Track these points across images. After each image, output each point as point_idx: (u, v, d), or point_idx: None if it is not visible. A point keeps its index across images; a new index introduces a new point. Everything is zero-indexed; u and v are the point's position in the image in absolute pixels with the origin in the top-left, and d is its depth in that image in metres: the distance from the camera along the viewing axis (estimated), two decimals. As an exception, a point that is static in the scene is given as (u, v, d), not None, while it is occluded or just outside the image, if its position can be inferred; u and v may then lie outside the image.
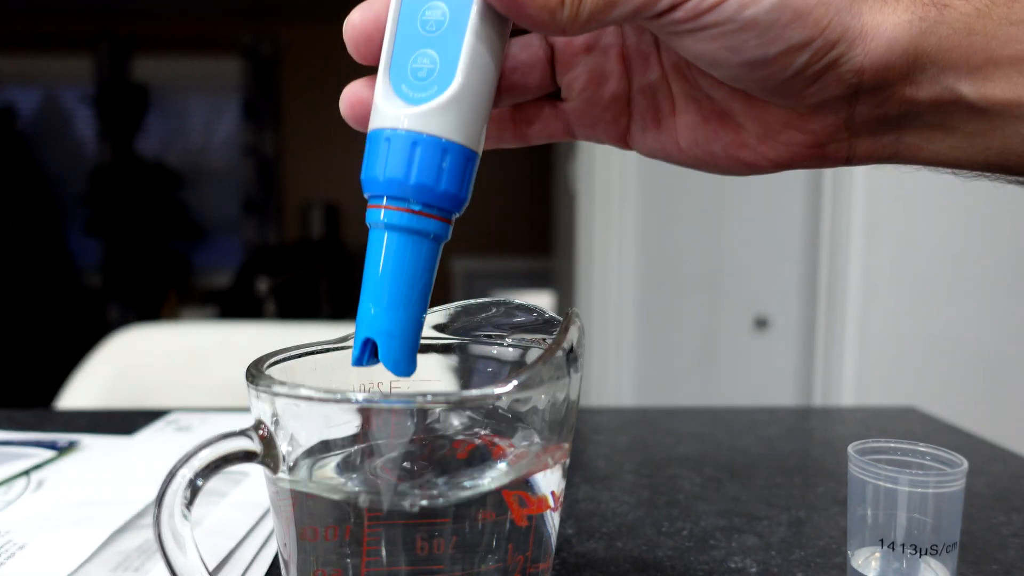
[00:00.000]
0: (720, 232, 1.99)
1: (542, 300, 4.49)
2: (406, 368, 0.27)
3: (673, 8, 0.25)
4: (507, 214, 4.67)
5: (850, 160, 0.29)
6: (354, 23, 0.28)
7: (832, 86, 0.26)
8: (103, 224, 4.29)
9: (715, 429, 0.64)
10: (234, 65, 4.53)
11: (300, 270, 2.66)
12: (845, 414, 0.71)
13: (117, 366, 0.90)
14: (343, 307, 3.52)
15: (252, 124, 4.51)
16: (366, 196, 0.28)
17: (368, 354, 0.27)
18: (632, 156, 2.07)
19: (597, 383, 2.05)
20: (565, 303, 2.67)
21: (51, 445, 0.53)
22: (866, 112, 0.27)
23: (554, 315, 0.35)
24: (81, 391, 0.87)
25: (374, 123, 0.27)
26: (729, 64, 0.26)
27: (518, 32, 0.29)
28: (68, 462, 0.51)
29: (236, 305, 3.05)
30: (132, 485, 0.46)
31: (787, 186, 1.90)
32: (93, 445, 0.55)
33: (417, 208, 0.26)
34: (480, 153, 0.27)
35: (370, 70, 0.31)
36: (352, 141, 4.55)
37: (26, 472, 0.49)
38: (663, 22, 0.25)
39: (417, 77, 0.26)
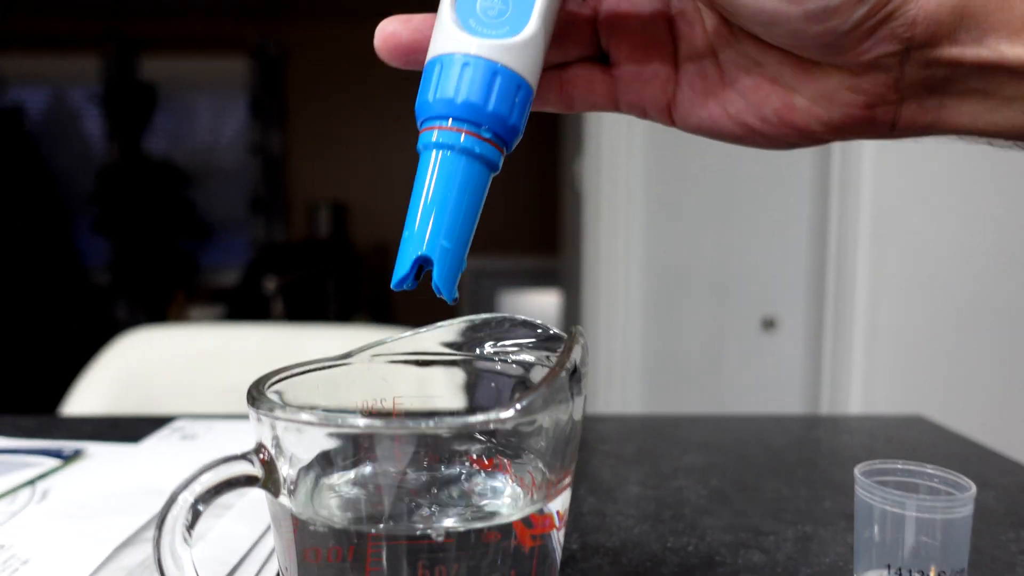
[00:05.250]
0: (728, 232, 1.98)
1: (549, 299, 4.50)
2: (451, 291, 0.27)
3: None
4: (514, 213, 4.66)
5: (894, 127, 0.29)
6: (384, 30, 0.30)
7: (886, 41, 0.27)
8: (111, 223, 4.31)
9: (722, 438, 0.63)
10: (241, 64, 4.53)
11: (307, 269, 2.67)
12: (852, 423, 0.70)
13: (123, 369, 0.90)
14: (350, 307, 3.52)
15: (259, 123, 4.51)
16: (421, 119, 0.27)
17: (413, 275, 0.27)
18: (638, 155, 2.07)
19: (604, 383, 2.05)
20: (572, 303, 2.66)
21: (57, 453, 0.53)
22: (914, 73, 0.28)
23: (559, 331, 0.34)
24: (87, 394, 0.87)
25: (443, 47, 0.27)
26: (789, 18, 0.27)
27: None
28: (73, 471, 0.51)
29: (244, 304, 3.05)
30: (137, 496, 0.46)
31: (795, 186, 1.89)
32: (99, 453, 0.55)
33: (487, 135, 0.26)
34: (535, 87, 0.28)
35: (386, 71, 0.31)
36: (359, 141, 4.56)
37: (31, 482, 0.49)
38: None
39: (488, 15, 0.27)
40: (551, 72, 0.32)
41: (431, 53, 0.27)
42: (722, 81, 0.30)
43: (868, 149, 1.62)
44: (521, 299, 4.83)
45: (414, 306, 4.68)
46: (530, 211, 4.66)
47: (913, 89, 0.28)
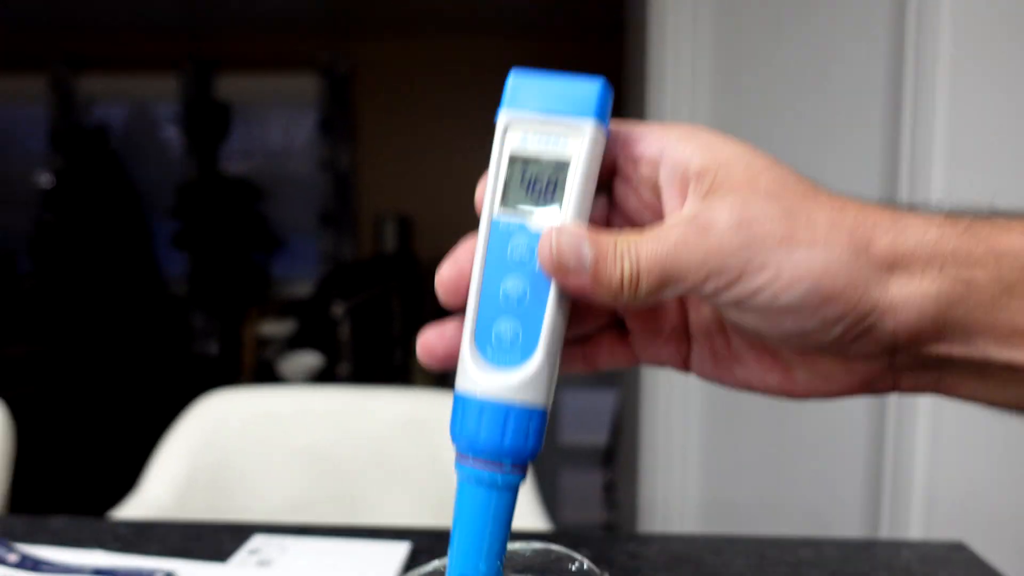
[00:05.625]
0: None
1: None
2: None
3: (716, 293, 0.27)
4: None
5: (896, 390, 0.31)
6: (443, 276, 0.31)
7: (870, 345, 0.28)
8: (189, 236, 4.49)
9: (762, 566, 0.64)
10: (311, 82, 4.67)
11: (373, 290, 2.74)
12: (890, 551, 0.69)
13: (202, 431, 0.96)
14: (413, 325, 3.60)
15: (328, 139, 4.64)
16: (455, 446, 0.30)
17: None
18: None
19: (663, 420, 2.05)
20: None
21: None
22: (906, 360, 0.29)
23: (592, 567, 0.36)
24: (171, 456, 0.93)
25: (463, 385, 0.30)
26: (771, 335, 0.29)
27: None
28: None
29: (313, 320, 3.16)
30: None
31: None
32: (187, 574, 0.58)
33: (507, 468, 0.29)
34: (549, 405, 0.30)
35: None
36: (424, 156, 4.64)
37: None
38: (709, 300, 0.28)
39: (500, 343, 0.29)
40: (575, 344, 0.34)
41: (456, 385, 0.30)
42: (729, 352, 0.32)
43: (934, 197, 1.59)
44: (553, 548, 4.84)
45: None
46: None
47: (908, 368, 0.29)
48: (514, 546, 0.38)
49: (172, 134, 4.74)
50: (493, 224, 0.30)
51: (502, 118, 0.32)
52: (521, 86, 0.31)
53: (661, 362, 0.34)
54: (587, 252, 0.28)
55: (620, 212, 0.32)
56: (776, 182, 0.28)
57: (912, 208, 0.28)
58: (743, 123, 1.90)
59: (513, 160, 0.31)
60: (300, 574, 0.55)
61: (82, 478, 1.80)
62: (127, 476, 2.23)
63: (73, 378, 1.80)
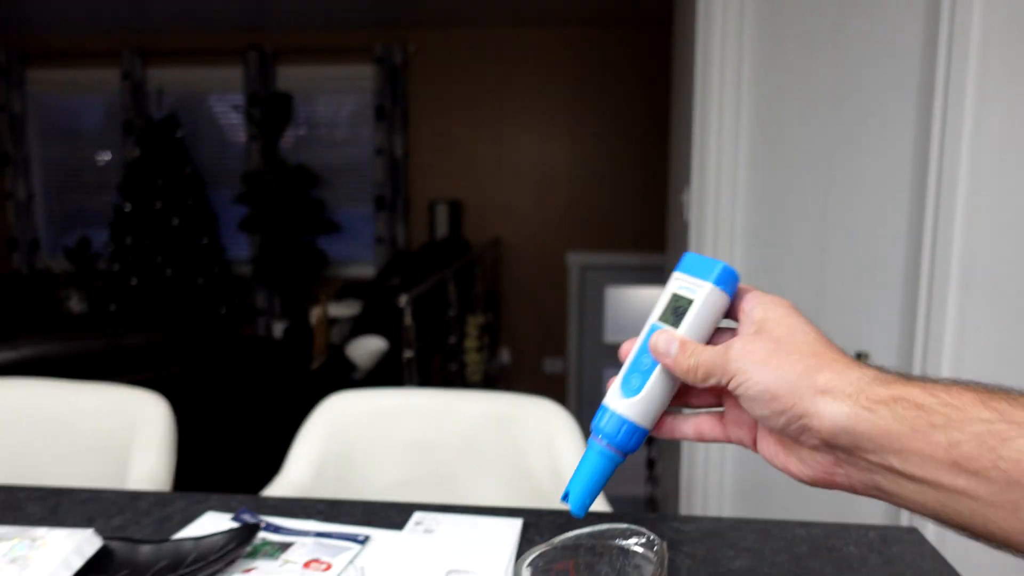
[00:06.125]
0: (823, 267, 2.12)
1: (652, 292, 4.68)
2: (576, 511, 0.52)
3: (725, 386, 0.48)
4: (620, 214, 4.84)
5: (853, 489, 0.45)
6: (622, 349, 0.55)
7: (812, 438, 0.44)
8: (253, 221, 4.76)
9: (766, 539, 0.84)
10: (367, 71, 4.87)
11: (434, 279, 2.96)
12: (860, 532, 0.89)
13: (329, 425, 1.19)
14: (466, 305, 3.82)
15: (383, 126, 4.85)
16: (593, 431, 0.53)
17: (564, 498, 0.53)
18: (741, 192, 2.23)
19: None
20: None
21: (354, 538, 0.77)
22: (844, 457, 0.44)
23: (654, 538, 0.56)
24: (305, 446, 1.16)
25: (608, 401, 0.53)
26: (753, 415, 0.48)
27: None
28: (370, 552, 0.75)
29: (377, 305, 3.40)
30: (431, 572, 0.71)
31: (889, 227, 2.01)
32: (377, 538, 0.79)
33: (614, 449, 0.52)
34: (650, 429, 0.53)
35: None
36: (473, 143, 4.83)
37: (351, 561, 0.73)
38: (726, 387, 0.48)
39: (629, 385, 0.53)
40: (689, 417, 0.54)
41: (605, 400, 0.54)
42: (768, 437, 0.50)
43: (960, 206, 1.74)
44: (626, 293, 5.02)
45: (521, 325, 4.95)
46: (634, 213, 4.82)
47: (851, 465, 0.43)
48: (599, 528, 0.59)
49: (236, 122, 4.99)
50: (652, 326, 0.53)
51: (674, 275, 0.54)
52: (687, 260, 0.53)
53: (740, 441, 0.52)
54: (674, 348, 0.50)
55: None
56: (797, 341, 0.46)
57: (873, 366, 0.43)
58: (783, 107, 2.05)
59: (672, 296, 0.53)
60: (455, 539, 0.77)
61: (207, 459, 2.04)
62: (237, 456, 2.47)
63: (181, 363, 2.04)
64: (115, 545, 0.67)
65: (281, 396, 2.54)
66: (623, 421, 0.51)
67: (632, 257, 4.85)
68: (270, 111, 4.75)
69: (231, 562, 0.66)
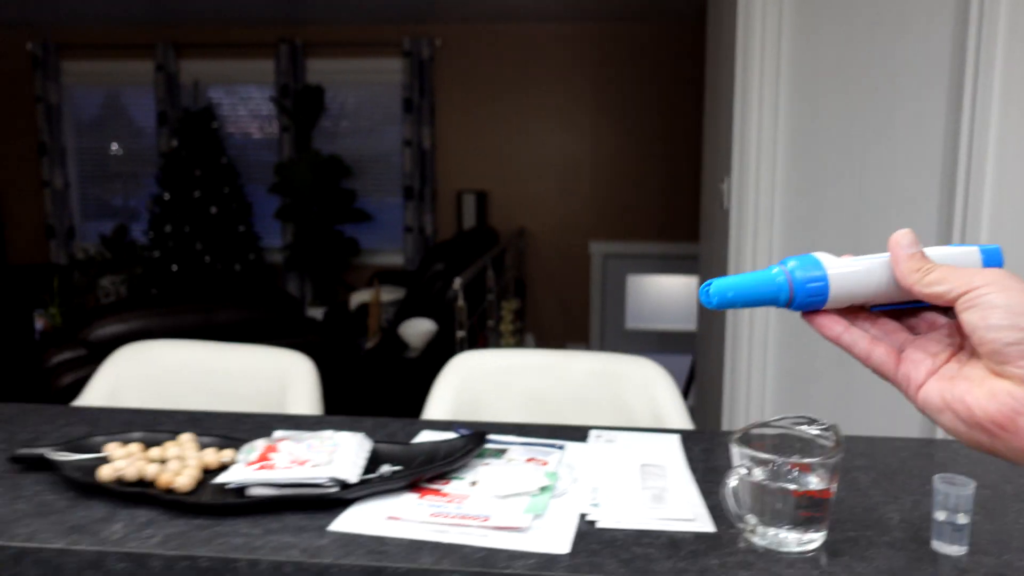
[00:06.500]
0: (857, 251, 2.30)
1: (674, 281, 4.87)
2: (708, 302, 0.50)
3: (954, 300, 0.46)
4: (648, 205, 5.02)
5: None
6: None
7: None
8: (287, 210, 4.92)
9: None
10: (395, 64, 5.03)
11: (476, 265, 3.13)
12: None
13: (460, 379, 1.36)
14: (500, 291, 4.00)
15: (411, 118, 5.01)
16: (782, 262, 0.51)
17: (706, 289, 0.50)
18: (779, 180, 2.41)
19: (744, 389, 2.42)
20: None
21: (554, 445, 0.93)
22: None
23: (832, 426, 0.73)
24: (440, 397, 1.34)
25: (819, 254, 0.52)
26: (978, 329, 0.44)
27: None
28: (569, 454, 0.92)
29: (422, 290, 3.57)
30: (634, 467, 0.89)
31: (921, 213, 2.19)
32: (570, 447, 0.95)
33: (792, 284, 0.49)
34: (832, 302, 0.50)
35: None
36: (498, 134, 4.99)
37: (560, 460, 0.89)
38: (945, 306, 0.47)
39: (846, 261, 0.51)
40: (892, 350, 0.51)
41: (817, 253, 0.52)
42: (955, 364, 0.48)
43: (988, 192, 1.92)
44: (647, 280, 5.20)
45: (547, 303, 5.12)
46: (656, 203, 5.00)
47: None
48: (779, 417, 0.75)
49: (269, 113, 5.14)
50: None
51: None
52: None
53: (906, 375, 0.49)
54: (911, 245, 0.49)
55: None
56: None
57: None
58: (819, 98, 2.23)
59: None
60: (633, 446, 0.94)
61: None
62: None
63: (272, 338, 2.20)
64: (379, 446, 0.85)
65: (342, 372, 2.71)
66: (822, 276, 0.49)
67: (653, 246, 5.03)
68: (302, 103, 4.91)
69: (469, 459, 0.83)
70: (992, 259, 0.51)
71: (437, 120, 5.08)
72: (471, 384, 1.37)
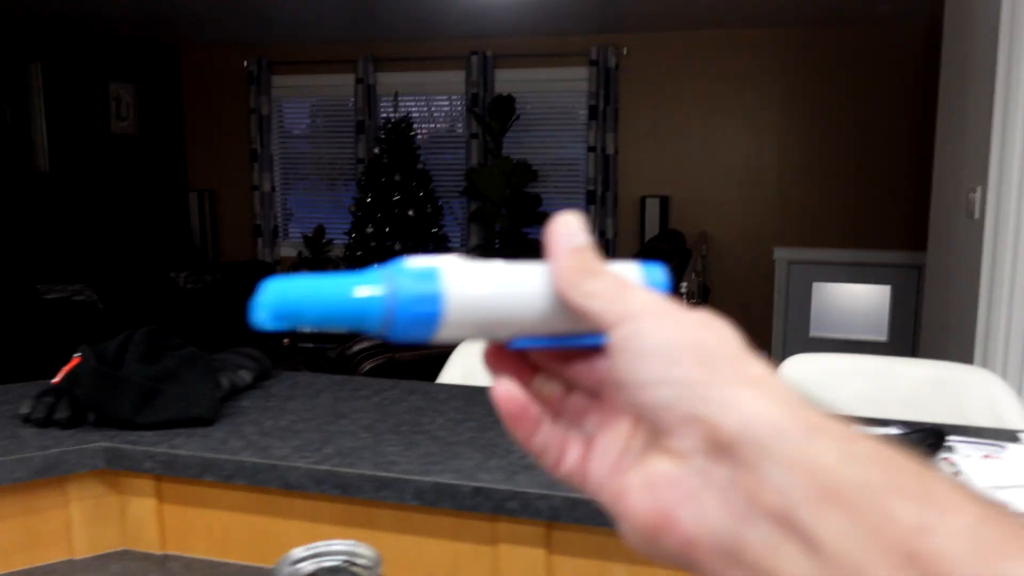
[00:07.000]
0: None
1: (862, 289, 4.72)
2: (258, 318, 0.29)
3: (605, 330, 0.30)
4: (835, 212, 4.91)
5: (697, 542, 0.29)
6: None
7: (693, 437, 0.28)
8: (477, 214, 5.14)
9: None
10: (582, 73, 5.16)
11: (689, 268, 3.19)
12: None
13: (790, 378, 1.43)
14: (690, 297, 4.04)
15: (595, 125, 5.12)
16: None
17: None
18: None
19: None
20: (965, 316, 2.94)
21: (994, 444, 1.02)
22: (724, 480, 0.27)
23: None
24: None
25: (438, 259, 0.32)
26: (625, 380, 0.29)
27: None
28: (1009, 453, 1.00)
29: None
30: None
31: None
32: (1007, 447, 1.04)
33: (384, 307, 0.30)
34: (455, 332, 0.31)
35: None
36: (680, 140, 5.03)
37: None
38: (597, 349, 0.32)
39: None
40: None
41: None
42: (613, 442, 0.32)
43: None
44: (833, 288, 5.08)
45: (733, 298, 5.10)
46: (843, 209, 4.88)
47: (728, 495, 0.27)
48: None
49: (457, 121, 5.40)
50: None
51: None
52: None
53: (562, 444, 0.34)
54: (580, 239, 0.32)
55: None
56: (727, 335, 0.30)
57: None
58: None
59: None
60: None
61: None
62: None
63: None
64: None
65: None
66: (432, 277, 0.30)
67: (841, 253, 4.91)
68: (494, 112, 5.12)
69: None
70: (654, 281, 0.35)
71: (620, 126, 5.17)
72: (801, 386, 1.43)
